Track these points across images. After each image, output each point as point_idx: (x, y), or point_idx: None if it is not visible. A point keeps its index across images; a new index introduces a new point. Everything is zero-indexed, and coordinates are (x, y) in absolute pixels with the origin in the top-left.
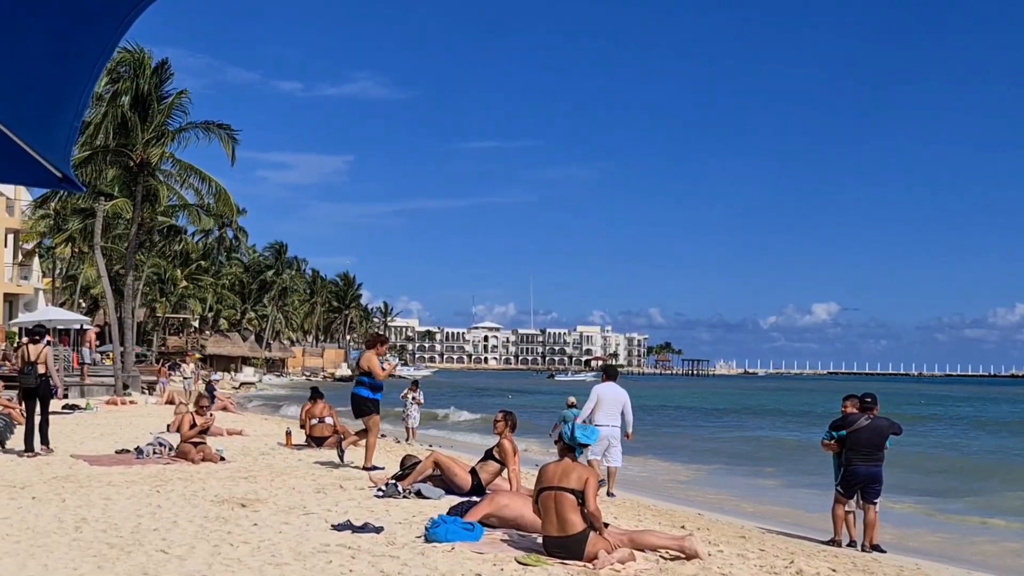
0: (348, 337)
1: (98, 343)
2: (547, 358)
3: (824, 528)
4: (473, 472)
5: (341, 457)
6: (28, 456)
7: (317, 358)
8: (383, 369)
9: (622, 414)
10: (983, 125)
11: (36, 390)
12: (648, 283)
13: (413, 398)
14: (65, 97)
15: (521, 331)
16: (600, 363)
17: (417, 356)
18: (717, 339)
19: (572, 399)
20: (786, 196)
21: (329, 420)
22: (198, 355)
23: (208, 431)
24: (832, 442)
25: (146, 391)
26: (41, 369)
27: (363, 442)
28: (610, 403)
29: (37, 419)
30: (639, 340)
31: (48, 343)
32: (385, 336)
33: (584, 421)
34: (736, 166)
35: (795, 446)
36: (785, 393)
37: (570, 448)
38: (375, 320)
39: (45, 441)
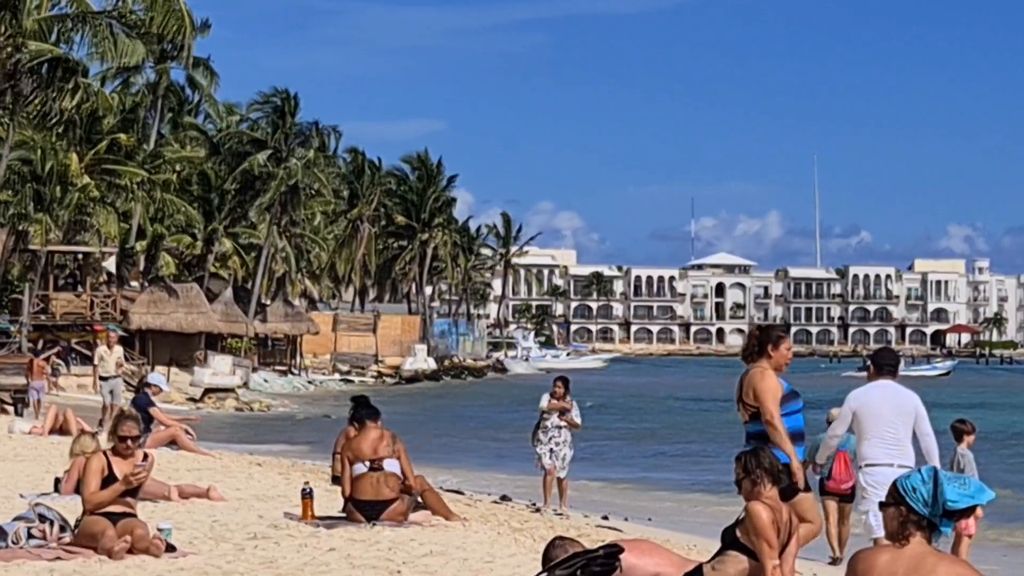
0: (429, 289)
1: None
2: (849, 329)
3: None
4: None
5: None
6: None
7: (364, 335)
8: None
9: (912, 437)
10: None
11: None
12: None
13: (561, 415)
14: None
15: (794, 272)
16: (973, 337)
17: (573, 329)
18: None
19: (836, 412)
20: None
21: (392, 465)
22: (117, 331)
23: (138, 490)
24: None
25: (8, 408)
26: None
27: (457, 520)
28: (886, 420)
29: None
30: None
31: None
32: (781, 328)
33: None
34: None
35: None
36: None
37: (927, 523)
38: (484, 253)
39: None
